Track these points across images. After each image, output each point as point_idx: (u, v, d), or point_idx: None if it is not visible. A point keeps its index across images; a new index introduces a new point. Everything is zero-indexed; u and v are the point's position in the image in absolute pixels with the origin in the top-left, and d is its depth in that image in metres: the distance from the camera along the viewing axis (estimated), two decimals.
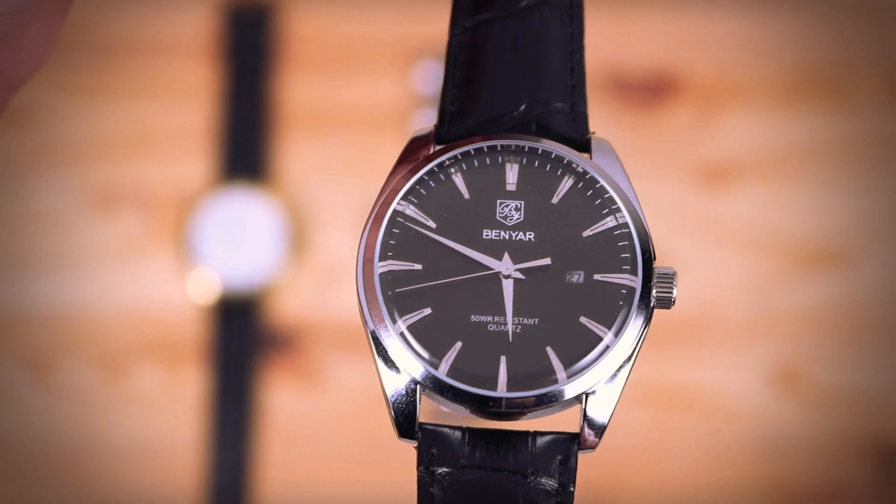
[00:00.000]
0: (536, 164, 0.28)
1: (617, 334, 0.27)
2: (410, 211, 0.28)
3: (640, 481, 0.68)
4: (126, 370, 0.69)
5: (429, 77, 0.69)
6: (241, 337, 0.68)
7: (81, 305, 0.69)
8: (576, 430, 0.27)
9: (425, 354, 0.27)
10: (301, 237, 0.69)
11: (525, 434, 0.27)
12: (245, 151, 0.70)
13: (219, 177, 0.69)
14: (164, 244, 0.69)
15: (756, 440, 0.68)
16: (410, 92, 0.70)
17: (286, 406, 0.69)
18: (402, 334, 0.27)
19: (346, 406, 0.68)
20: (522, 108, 0.29)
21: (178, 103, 0.70)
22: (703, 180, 0.69)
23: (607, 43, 0.70)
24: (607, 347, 0.27)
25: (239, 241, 0.68)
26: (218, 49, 0.71)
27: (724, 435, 0.68)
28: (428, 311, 0.27)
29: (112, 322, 0.69)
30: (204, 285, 0.68)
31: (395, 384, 0.27)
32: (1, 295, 0.69)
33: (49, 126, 0.70)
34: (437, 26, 0.75)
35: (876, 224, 0.69)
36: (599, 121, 0.71)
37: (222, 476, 0.67)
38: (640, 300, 0.27)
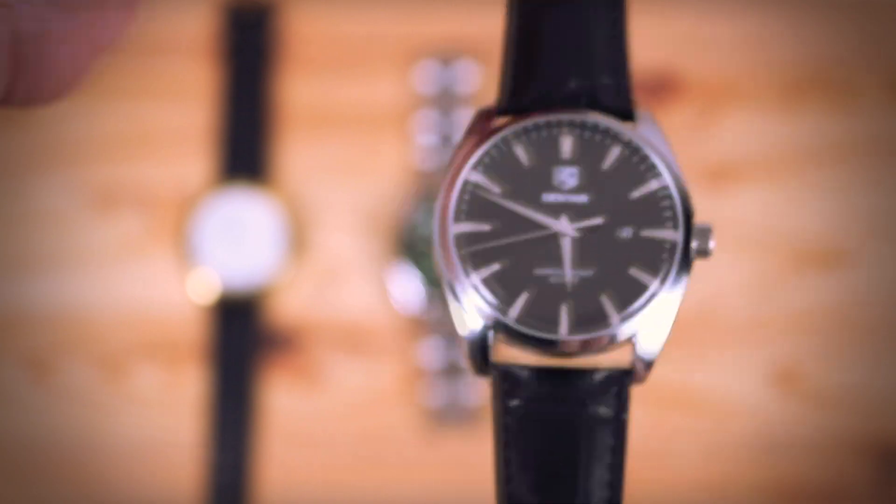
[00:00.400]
0: (587, 136, 0.32)
1: (662, 282, 0.31)
2: (479, 178, 0.32)
3: (640, 481, 0.68)
4: (126, 370, 0.69)
5: (429, 77, 0.69)
6: (241, 337, 0.68)
7: (81, 305, 0.69)
8: (628, 366, 0.31)
9: (495, 303, 0.31)
10: (301, 237, 0.69)
11: (584, 371, 0.31)
12: (245, 151, 0.70)
13: (219, 177, 0.69)
14: (164, 244, 0.69)
15: (756, 440, 0.68)
16: (410, 92, 0.70)
17: (286, 406, 0.69)
18: (474, 286, 0.31)
19: (346, 406, 0.69)
20: (573, 84, 0.33)
21: (178, 103, 0.70)
22: (703, 180, 0.69)
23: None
24: (654, 294, 0.31)
25: (239, 241, 0.68)
26: (218, 49, 0.71)
27: (723, 435, 0.68)
28: (497, 266, 0.31)
29: (112, 322, 0.69)
30: (204, 285, 0.68)
31: (471, 328, 0.31)
32: (1, 295, 0.69)
33: (49, 126, 0.70)
34: (437, 26, 0.75)
35: (876, 224, 0.69)
36: None
37: (222, 476, 0.67)
38: (681, 252, 0.31)
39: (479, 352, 0.31)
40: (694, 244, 0.31)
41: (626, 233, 0.31)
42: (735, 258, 0.69)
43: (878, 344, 0.69)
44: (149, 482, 0.68)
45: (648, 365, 0.31)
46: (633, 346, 0.31)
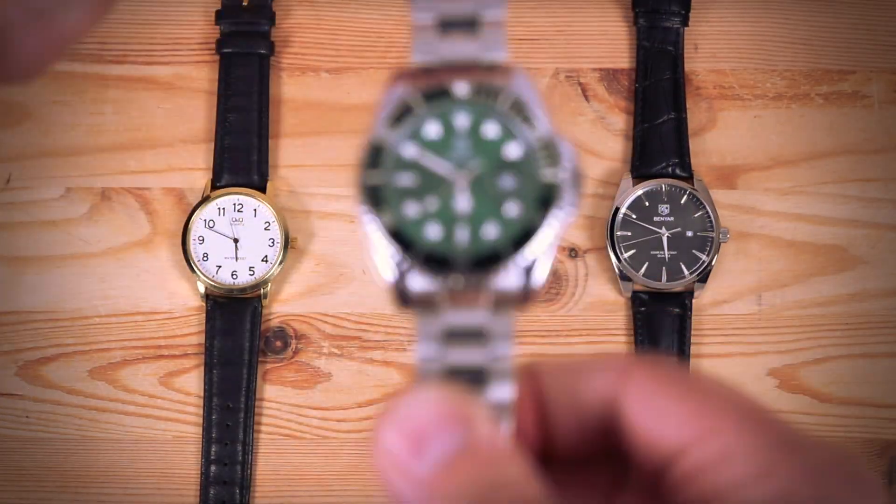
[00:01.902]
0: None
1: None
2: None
3: None
4: (126, 370, 0.69)
5: None
6: (241, 337, 0.68)
7: (81, 305, 0.69)
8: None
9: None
10: (301, 237, 0.69)
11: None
12: (245, 151, 0.70)
13: (219, 177, 0.69)
14: (164, 244, 0.69)
15: None
16: None
17: (286, 406, 0.69)
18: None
19: (346, 406, 0.68)
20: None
21: (178, 103, 0.70)
22: (704, 180, 0.69)
23: (607, 43, 0.70)
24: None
25: (238, 241, 0.68)
26: (217, 49, 0.70)
27: None
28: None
29: (112, 322, 0.69)
30: (204, 285, 0.68)
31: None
32: (1, 295, 0.69)
33: (49, 126, 0.70)
34: None
35: (877, 224, 0.69)
36: (600, 120, 0.71)
37: (222, 475, 0.67)
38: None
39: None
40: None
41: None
42: (736, 258, 0.69)
43: (878, 344, 0.68)
44: (149, 482, 0.68)
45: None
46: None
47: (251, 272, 0.68)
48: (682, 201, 0.67)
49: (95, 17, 0.32)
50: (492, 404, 0.32)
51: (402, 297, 0.33)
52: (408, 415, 0.29)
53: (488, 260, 0.33)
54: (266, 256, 0.68)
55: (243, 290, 0.67)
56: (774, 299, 0.69)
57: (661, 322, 0.67)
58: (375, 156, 0.34)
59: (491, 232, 0.33)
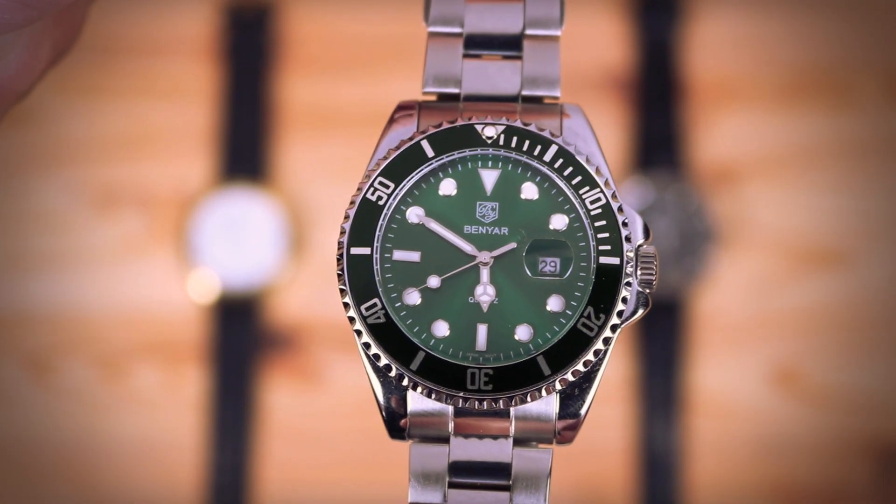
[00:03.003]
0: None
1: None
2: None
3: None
4: (126, 370, 0.69)
5: None
6: (241, 337, 0.68)
7: (81, 305, 0.69)
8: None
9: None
10: (301, 237, 0.69)
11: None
12: (245, 151, 0.70)
13: (219, 177, 0.69)
14: (164, 244, 0.69)
15: (756, 440, 0.68)
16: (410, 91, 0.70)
17: (286, 406, 0.69)
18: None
19: (346, 406, 0.69)
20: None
21: (178, 103, 0.70)
22: (703, 180, 0.69)
23: (607, 43, 0.70)
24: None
25: (239, 241, 0.68)
26: (218, 49, 0.71)
27: (723, 434, 0.68)
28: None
29: (112, 322, 0.69)
30: (204, 285, 0.68)
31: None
32: (1, 295, 0.69)
33: (49, 126, 0.70)
34: None
35: (876, 224, 0.69)
36: (600, 120, 0.71)
37: (222, 475, 0.67)
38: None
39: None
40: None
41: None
42: (735, 258, 0.69)
43: (878, 344, 0.69)
44: (149, 482, 0.68)
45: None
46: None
47: (254, 272, 0.68)
48: (681, 201, 0.67)
49: (38, 61, 0.33)
50: None
51: (392, 420, 0.25)
52: None
53: (516, 373, 0.24)
54: (268, 256, 0.68)
55: (246, 290, 0.67)
56: (773, 299, 0.69)
57: (660, 322, 0.67)
58: (365, 222, 0.27)
59: (524, 334, 0.25)
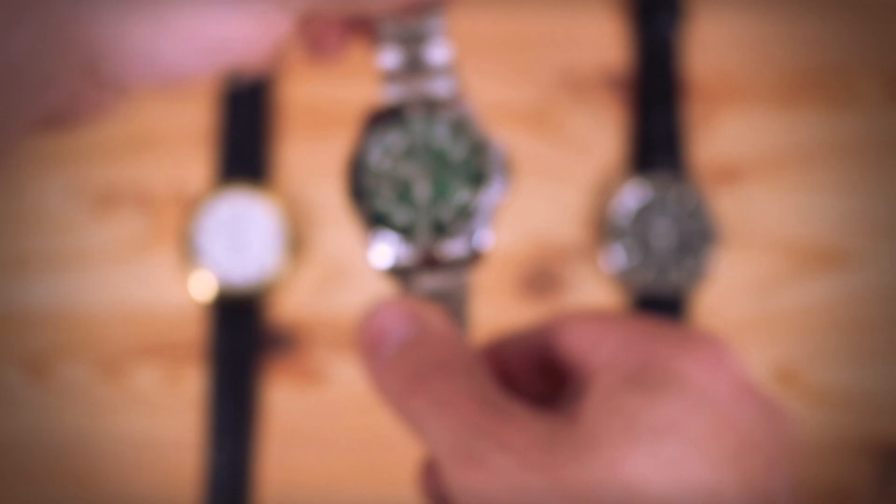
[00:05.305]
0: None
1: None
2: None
3: None
4: (126, 370, 0.69)
5: None
6: (241, 337, 0.68)
7: (81, 305, 0.69)
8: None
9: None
10: (301, 237, 0.69)
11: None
12: (245, 152, 0.70)
13: (219, 177, 0.69)
14: (165, 244, 0.69)
15: None
16: None
17: (286, 406, 0.69)
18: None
19: (346, 406, 0.69)
20: None
21: (178, 103, 0.70)
22: (703, 180, 0.69)
23: (607, 43, 0.70)
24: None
25: (239, 241, 0.68)
26: None
27: None
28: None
29: (112, 322, 0.69)
30: (204, 285, 0.68)
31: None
32: (1, 295, 0.69)
33: None
34: None
35: (876, 224, 0.69)
36: (599, 121, 0.71)
37: (222, 476, 0.67)
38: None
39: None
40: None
41: None
42: (735, 258, 0.69)
43: (878, 344, 0.69)
44: (149, 482, 0.68)
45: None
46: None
47: (253, 272, 0.68)
48: (680, 202, 0.67)
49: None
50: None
51: (389, 269, 0.43)
52: (373, 317, 0.39)
53: (443, 233, 0.43)
54: (268, 256, 0.68)
55: (245, 289, 0.67)
56: (773, 299, 0.69)
57: None
58: (358, 164, 0.47)
59: (445, 213, 0.44)
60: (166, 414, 0.69)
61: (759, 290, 0.69)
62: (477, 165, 0.44)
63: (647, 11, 0.69)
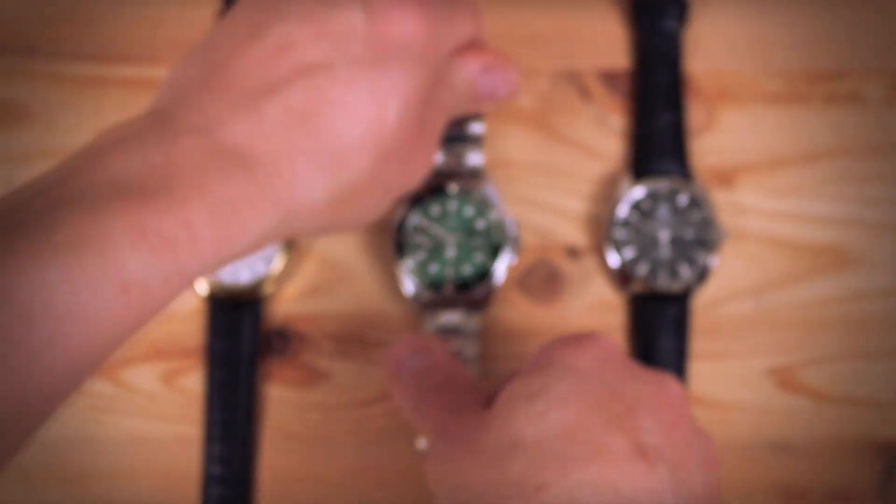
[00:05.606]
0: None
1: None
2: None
3: None
4: (126, 370, 0.69)
5: None
6: (241, 337, 0.68)
7: None
8: None
9: None
10: (301, 237, 0.69)
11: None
12: None
13: None
14: None
15: (756, 440, 0.68)
16: None
17: (286, 405, 0.69)
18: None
19: (346, 406, 0.69)
20: None
21: None
22: (703, 181, 0.69)
23: (608, 43, 0.70)
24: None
25: None
26: None
27: (723, 435, 0.68)
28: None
29: None
30: (204, 285, 0.68)
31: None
32: None
33: (49, 126, 0.70)
34: None
35: (876, 224, 0.69)
36: (599, 121, 0.71)
37: (224, 476, 0.67)
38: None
39: None
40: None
41: None
42: (735, 258, 0.69)
43: (878, 344, 0.69)
44: (149, 481, 0.68)
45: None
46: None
47: (252, 271, 0.68)
48: (681, 202, 0.67)
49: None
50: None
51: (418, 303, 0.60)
52: (394, 349, 0.54)
53: (466, 285, 0.60)
54: (267, 256, 0.68)
55: (244, 289, 0.67)
56: (773, 299, 0.69)
57: (659, 323, 0.67)
58: (400, 225, 0.60)
59: (467, 270, 0.60)
60: (166, 414, 0.69)
61: (758, 290, 0.69)
62: (495, 238, 0.59)
63: (649, 11, 0.69)
